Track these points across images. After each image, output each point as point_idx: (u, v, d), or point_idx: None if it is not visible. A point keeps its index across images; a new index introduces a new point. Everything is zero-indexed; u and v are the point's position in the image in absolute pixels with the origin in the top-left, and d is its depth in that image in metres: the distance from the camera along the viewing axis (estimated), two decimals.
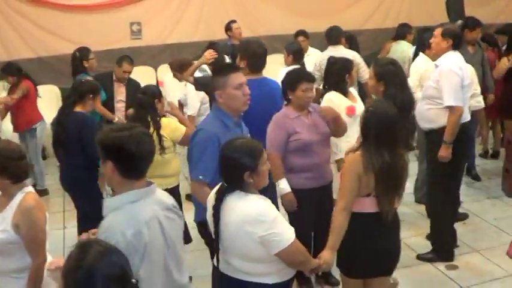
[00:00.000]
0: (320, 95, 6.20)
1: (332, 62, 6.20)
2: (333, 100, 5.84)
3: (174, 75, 7.59)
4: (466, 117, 6.06)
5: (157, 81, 9.19)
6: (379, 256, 4.17)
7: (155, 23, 11.60)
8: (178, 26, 11.70)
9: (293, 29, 9.96)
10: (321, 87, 6.71)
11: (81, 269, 2.41)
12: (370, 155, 4.03)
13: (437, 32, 6.10)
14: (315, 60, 8.64)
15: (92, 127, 5.78)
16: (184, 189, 6.54)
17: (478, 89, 7.44)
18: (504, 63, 8.37)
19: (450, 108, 5.77)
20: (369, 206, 4.10)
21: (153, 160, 3.14)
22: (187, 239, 5.30)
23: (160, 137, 5.50)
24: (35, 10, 10.79)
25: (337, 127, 5.30)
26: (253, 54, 5.70)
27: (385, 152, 4.00)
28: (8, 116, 8.43)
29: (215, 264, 3.71)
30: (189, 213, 4.85)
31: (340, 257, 4.25)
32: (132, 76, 8.05)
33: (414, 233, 6.70)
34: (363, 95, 7.59)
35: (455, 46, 6.02)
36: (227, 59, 7.95)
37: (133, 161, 3.00)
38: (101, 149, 3.04)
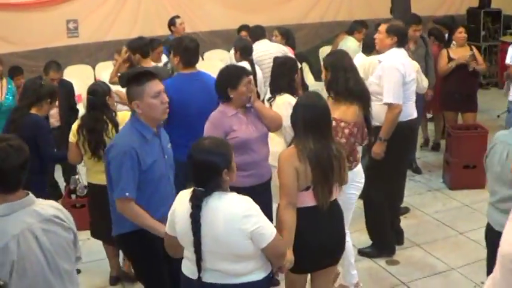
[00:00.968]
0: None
1: (280, 62, 5.97)
2: (292, 103, 5.68)
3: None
4: (412, 113, 6.07)
5: (95, 80, 9.00)
6: (324, 248, 4.19)
7: (92, 20, 11.33)
8: (116, 22, 11.45)
9: (233, 24, 9.90)
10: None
11: None
12: (301, 145, 4.08)
13: (382, 28, 6.06)
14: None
15: (47, 130, 5.72)
16: None
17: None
18: (444, 60, 8.38)
19: (389, 105, 5.74)
20: (309, 199, 4.11)
21: (25, 172, 3.06)
22: None
23: None
24: None
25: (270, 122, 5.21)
26: (185, 49, 5.72)
27: (311, 142, 4.07)
28: None
29: (192, 276, 3.59)
30: None
31: None
32: (69, 75, 7.86)
33: (354, 228, 6.62)
34: None
35: (400, 43, 5.99)
36: (165, 58, 7.84)
37: (1, 175, 2.95)
38: None
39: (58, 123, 7.39)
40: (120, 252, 5.73)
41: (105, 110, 5.54)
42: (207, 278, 3.54)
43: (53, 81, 7.46)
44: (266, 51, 7.95)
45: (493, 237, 3.93)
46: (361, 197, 7.07)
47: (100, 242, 5.90)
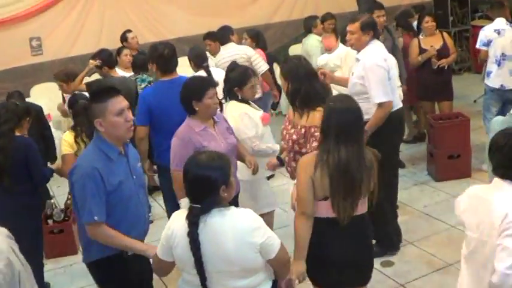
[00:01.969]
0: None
1: (230, 69, 5.79)
2: (249, 113, 5.51)
3: (60, 87, 7.68)
4: (398, 103, 5.93)
5: (63, 97, 8.71)
6: (342, 264, 3.93)
7: (56, 37, 11.10)
8: (81, 36, 11.23)
9: (199, 30, 9.71)
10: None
11: None
12: (327, 153, 3.81)
13: (355, 27, 5.75)
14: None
15: (36, 149, 5.53)
16: None
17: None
18: (415, 51, 8.28)
19: (380, 104, 5.57)
20: (327, 210, 3.88)
21: None
22: None
23: None
24: None
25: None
26: (160, 56, 5.76)
27: (342, 149, 3.78)
28: None
29: None
30: None
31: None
32: (37, 94, 7.67)
33: None
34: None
35: (375, 35, 5.83)
36: None
37: None
38: None
39: None
40: None
41: (87, 132, 5.44)
42: None
43: None
44: (231, 57, 7.79)
45: None
46: None
47: (84, 267, 5.64)
